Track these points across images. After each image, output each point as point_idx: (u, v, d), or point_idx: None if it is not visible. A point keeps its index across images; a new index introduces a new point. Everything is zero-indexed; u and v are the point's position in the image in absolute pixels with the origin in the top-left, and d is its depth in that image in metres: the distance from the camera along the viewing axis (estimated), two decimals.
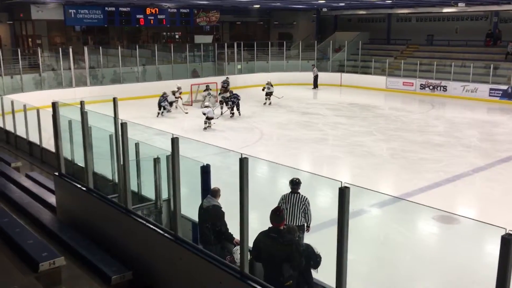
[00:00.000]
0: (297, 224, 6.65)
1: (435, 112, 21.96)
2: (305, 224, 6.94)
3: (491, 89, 24.03)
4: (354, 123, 18.83)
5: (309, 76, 28.95)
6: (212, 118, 17.27)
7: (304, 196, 6.87)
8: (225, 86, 22.22)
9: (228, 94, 20.06)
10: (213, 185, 6.66)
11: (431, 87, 26.17)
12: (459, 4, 25.51)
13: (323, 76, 29.43)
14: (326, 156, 14.18)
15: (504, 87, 23.65)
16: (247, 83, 28.47)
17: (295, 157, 14.02)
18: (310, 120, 19.25)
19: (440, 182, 11.50)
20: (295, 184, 6.88)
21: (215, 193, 6.22)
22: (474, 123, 18.96)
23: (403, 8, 30.48)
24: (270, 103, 22.32)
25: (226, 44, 29.70)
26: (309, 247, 4.75)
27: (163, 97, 19.76)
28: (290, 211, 6.77)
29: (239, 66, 29.93)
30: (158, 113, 19.55)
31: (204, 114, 17.04)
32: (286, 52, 30.86)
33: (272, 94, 22.42)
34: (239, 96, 19.75)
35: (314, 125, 18.36)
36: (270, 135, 16.69)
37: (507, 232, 2.32)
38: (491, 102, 23.68)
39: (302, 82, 29.05)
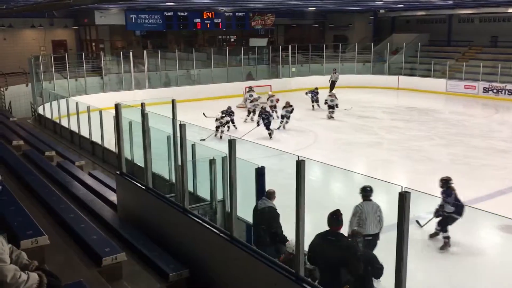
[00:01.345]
0: (374, 233, 6.60)
1: (499, 117, 20.92)
2: (379, 232, 6.82)
3: None
4: (412, 127, 18.30)
5: (365, 78, 28.49)
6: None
7: (377, 204, 6.77)
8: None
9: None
10: (267, 187, 6.70)
11: (495, 91, 24.96)
12: None
13: (380, 79, 28.84)
14: (381, 160, 13.85)
15: None
16: (300, 86, 28.37)
17: (349, 161, 13.79)
18: (366, 123, 18.89)
19: (504, 190, 10.95)
20: (368, 191, 6.76)
21: (270, 195, 6.26)
22: None
23: (466, 9, 29.25)
24: (332, 117, 19.43)
25: (280, 47, 29.75)
26: (371, 255, 4.68)
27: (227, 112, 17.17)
28: (368, 220, 6.64)
29: (293, 69, 29.88)
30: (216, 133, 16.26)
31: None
32: (342, 55, 30.47)
33: (336, 107, 19.46)
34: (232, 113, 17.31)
35: (369, 128, 18.00)
36: (324, 138, 16.52)
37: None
38: None
39: (357, 85, 28.59)
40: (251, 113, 18.97)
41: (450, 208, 8.13)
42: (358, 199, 6.93)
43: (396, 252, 2.95)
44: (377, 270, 4.53)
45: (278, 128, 17.30)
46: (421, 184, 11.40)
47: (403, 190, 2.73)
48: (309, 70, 29.97)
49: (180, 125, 5.47)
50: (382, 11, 32.60)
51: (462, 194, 10.87)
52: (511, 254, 8.18)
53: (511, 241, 8.44)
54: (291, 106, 17.59)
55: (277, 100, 19.49)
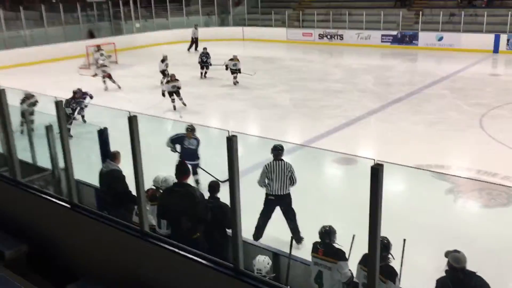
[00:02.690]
0: (284, 193, 6.40)
1: (334, 61, 22.82)
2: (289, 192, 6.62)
3: (382, 35, 25.39)
4: (258, 76, 19.02)
5: (211, 31, 28.56)
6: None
7: (288, 163, 6.49)
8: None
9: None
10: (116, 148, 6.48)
11: (328, 37, 27.03)
12: None
13: (225, 31, 29.18)
14: (232, 111, 14.26)
15: (394, 32, 25.10)
16: (148, 42, 27.49)
17: (202, 115, 13.93)
18: (215, 76, 19.12)
19: (339, 127, 12.13)
20: (278, 150, 6.44)
21: (115, 156, 6.05)
22: (369, 68, 20.00)
23: None
24: (237, 82, 17.46)
25: (121, 1, 28.16)
26: (222, 203, 4.81)
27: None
28: (277, 180, 6.34)
29: (137, 25, 28.68)
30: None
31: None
32: (186, 9, 30.00)
33: (239, 72, 17.43)
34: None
35: (218, 81, 18.28)
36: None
37: (375, 162, 2.52)
38: (383, 47, 25.07)
39: (204, 38, 28.56)
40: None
41: None
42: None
43: (369, 228, 2.83)
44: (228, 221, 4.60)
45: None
46: (269, 130, 12.11)
47: (375, 163, 2.66)
48: (154, 25, 29.04)
49: None
50: None
51: (305, 134, 11.85)
52: (348, 181, 9.16)
53: (347, 170, 9.43)
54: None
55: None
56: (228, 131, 3.16)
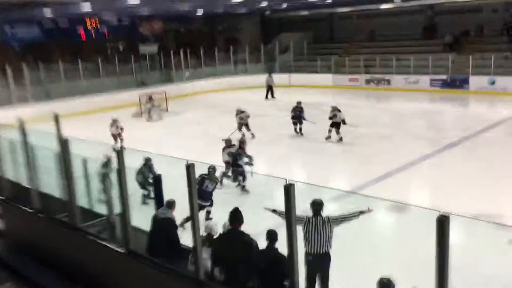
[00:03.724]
0: (322, 252, 5.75)
1: (381, 106, 22.62)
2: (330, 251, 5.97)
3: (431, 79, 25.05)
4: (305, 122, 19.08)
5: (258, 78, 29.28)
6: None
7: (327, 218, 5.86)
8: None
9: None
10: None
11: (375, 82, 26.95)
12: (395, 0, 26.50)
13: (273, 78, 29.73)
14: (280, 156, 14.27)
15: (444, 76, 24.70)
16: (195, 90, 28.40)
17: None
18: (262, 122, 19.34)
19: (391, 172, 11.85)
20: (317, 205, 5.84)
21: (171, 204, 6.14)
22: (419, 112, 19.65)
23: (344, 7, 31.30)
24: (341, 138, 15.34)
25: (172, 51, 29.41)
26: (279, 253, 4.65)
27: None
28: (315, 237, 5.72)
29: (187, 73, 29.72)
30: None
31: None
32: (233, 56, 30.92)
33: (342, 124, 15.48)
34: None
35: (266, 126, 18.47)
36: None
37: (440, 214, 2.43)
38: (432, 92, 24.67)
39: (250, 85, 29.25)
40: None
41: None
42: None
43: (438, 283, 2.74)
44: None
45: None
46: (316, 175, 11.98)
47: (440, 215, 2.55)
48: (203, 73, 30.02)
49: (63, 140, 5.16)
50: (267, 12, 33.63)
51: (355, 179, 11.62)
52: (399, 231, 8.81)
53: (399, 219, 9.10)
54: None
55: None
56: (286, 180, 3.15)
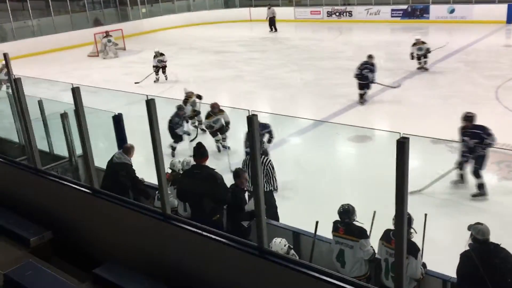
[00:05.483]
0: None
1: (343, 38, 22.54)
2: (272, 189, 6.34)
3: (392, 10, 24.97)
4: (268, 56, 18.90)
5: (218, 13, 28.38)
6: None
7: (267, 158, 6.33)
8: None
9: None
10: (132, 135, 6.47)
11: (337, 14, 26.65)
12: None
13: (232, 13, 28.90)
14: (243, 92, 14.19)
15: (404, 6, 24.67)
16: (153, 27, 27.41)
17: (212, 98, 13.85)
18: (224, 58, 19.03)
19: (353, 105, 12.01)
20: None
21: (127, 150, 6.01)
22: (380, 44, 19.71)
23: None
24: (425, 66, 14.67)
25: None
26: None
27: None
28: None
29: (143, 10, 28.51)
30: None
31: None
32: None
33: (429, 53, 14.53)
34: None
35: (227, 63, 18.19)
36: (185, 77, 16.26)
37: (401, 135, 2.48)
38: (393, 22, 24.68)
39: (210, 21, 28.43)
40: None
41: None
42: None
43: (396, 203, 2.77)
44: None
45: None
46: (281, 111, 12.02)
47: (400, 137, 2.57)
48: (160, 9, 28.86)
49: (14, 79, 4.92)
50: None
51: (318, 113, 11.76)
52: (364, 159, 9.08)
53: (361, 148, 9.36)
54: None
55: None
56: (249, 111, 3.13)
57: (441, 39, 20.74)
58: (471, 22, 22.50)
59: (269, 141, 7.95)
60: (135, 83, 15.25)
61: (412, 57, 14.62)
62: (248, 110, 3.14)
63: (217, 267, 3.64)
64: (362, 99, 12.05)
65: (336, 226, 4.63)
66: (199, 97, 10.69)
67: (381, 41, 20.57)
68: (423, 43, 14.57)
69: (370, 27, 24.20)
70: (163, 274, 3.88)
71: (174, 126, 9.35)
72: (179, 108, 9.53)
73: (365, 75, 11.86)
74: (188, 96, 10.53)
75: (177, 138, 9.47)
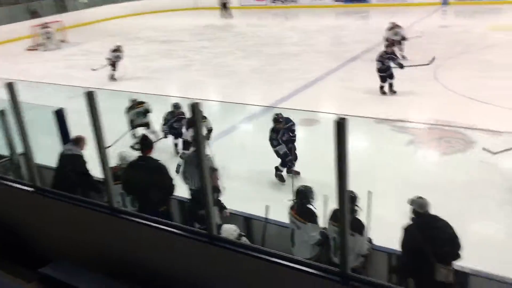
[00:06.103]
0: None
1: (289, 24, 22.71)
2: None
3: None
4: (215, 44, 18.79)
5: (162, 2, 27.85)
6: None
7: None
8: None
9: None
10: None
11: (282, 0, 26.79)
12: None
13: (177, 1, 28.45)
14: (192, 82, 14.05)
15: None
16: (95, 17, 26.56)
17: (161, 88, 13.66)
18: (171, 48, 18.74)
19: (300, 89, 12.18)
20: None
21: (77, 141, 5.85)
22: (324, 29, 20.02)
23: None
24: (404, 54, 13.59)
25: None
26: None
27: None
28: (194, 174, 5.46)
29: (85, 0, 27.55)
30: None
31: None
32: None
33: (404, 40, 13.69)
34: None
35: (175, 52, 17.93)
36: (132, 69, 15.85)
37: (339, 117, 2.55)
38: (337, 7, 25.10)
39: (155, 10, 27.86)
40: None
41: None
42: None
43: (337, 183, 2.78)
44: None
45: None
46: (229, 98, 12.04)
47: (338, 118, 2.58)
48: None
49: None
50: None
51: (265, 99, 11.85)
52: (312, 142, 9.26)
53: (309, 131, 9.53)
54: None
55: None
56: (191, 99, 3.13)
57: (382, 22, 21.38)
58: (410, 5, 23.27)
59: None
60: (92, 69, 14.54)
61: (388, 43, 12.29)
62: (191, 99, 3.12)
63: (168, 257, 3.63)
64: (391, 90, 11.15)
65: (292, 205, 4.71)
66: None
67: (325, 25, 20.88)
68: (398, 26, 13.44)
69: (314, 12, 24.50)
70: (113, 269, 3.84)
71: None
72: (175, 106, 8.81)
73: (387, 65, 10.95)
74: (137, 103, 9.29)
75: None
